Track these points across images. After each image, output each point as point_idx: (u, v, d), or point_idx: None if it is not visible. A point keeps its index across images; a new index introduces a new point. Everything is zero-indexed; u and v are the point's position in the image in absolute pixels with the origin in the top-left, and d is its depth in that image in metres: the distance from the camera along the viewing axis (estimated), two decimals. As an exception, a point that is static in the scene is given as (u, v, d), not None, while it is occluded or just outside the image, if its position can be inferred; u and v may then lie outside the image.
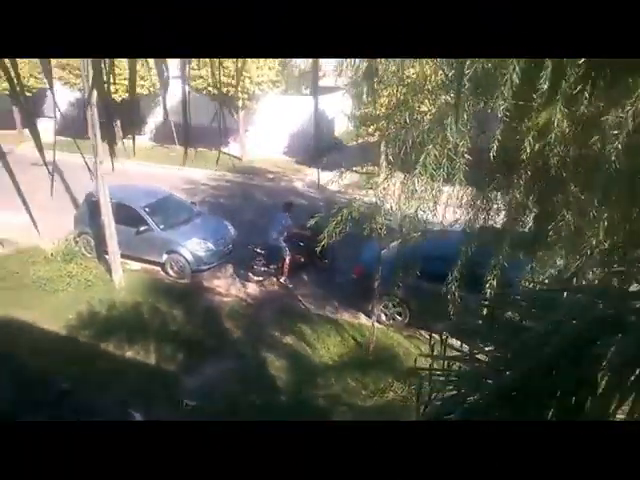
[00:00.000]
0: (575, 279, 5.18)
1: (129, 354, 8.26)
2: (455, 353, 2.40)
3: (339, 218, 6.36)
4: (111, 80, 1.36)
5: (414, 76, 6.41)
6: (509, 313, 2.60)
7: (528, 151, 4.69)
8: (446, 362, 2.43)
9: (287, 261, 10.40)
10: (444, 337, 2.62)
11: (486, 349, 2.28)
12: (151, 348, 8.39)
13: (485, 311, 3.01)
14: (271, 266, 10.56)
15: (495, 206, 6.00)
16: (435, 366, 2.41)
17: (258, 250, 10.52)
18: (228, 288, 10.56)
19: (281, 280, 10.55)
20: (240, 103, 17.44)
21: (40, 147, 1.29)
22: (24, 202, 1.32)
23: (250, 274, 10.66)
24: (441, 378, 2.41)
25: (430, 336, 2.48)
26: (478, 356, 2.28)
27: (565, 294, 2.43)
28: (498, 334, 2.40)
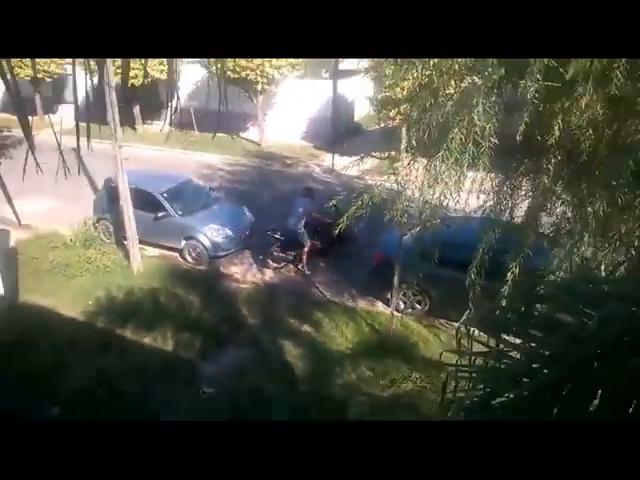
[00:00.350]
0: (607, 269, 4.99)
1: (147, 340, 8.25)
2: (482, 348, 2.26)
3: (359, 203, 6.19)
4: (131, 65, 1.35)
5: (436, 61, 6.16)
6: (542, 306, 2.43)
7: (557, 135, 4.47)
8: (473, 357, 2.30)
9: (307, 248, 10.27)
10: (471, 331, 2.48)
11: (518, 344, 2.13)
12: (168, 334, 8.38)
13: (517, 304, 2.83)
14: (290, 252, 10.44)
15: (521, 192, 5.80)
16: (461, 361, 2.29)
17: (277, 236, 10.41)
18: (245, 275, 10.51)
19: (299, 267, 10.43)
20: (259, 87, 17.26)
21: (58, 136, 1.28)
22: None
23: (269, 260, 10.57)
24: (467, 374, 2.28)
25: (458, 330, 2.33)
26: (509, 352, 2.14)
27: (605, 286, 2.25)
28: (533, 329, 2.24)
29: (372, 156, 16.19)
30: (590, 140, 4.57)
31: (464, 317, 5.43)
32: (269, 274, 10.46)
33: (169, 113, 21.29)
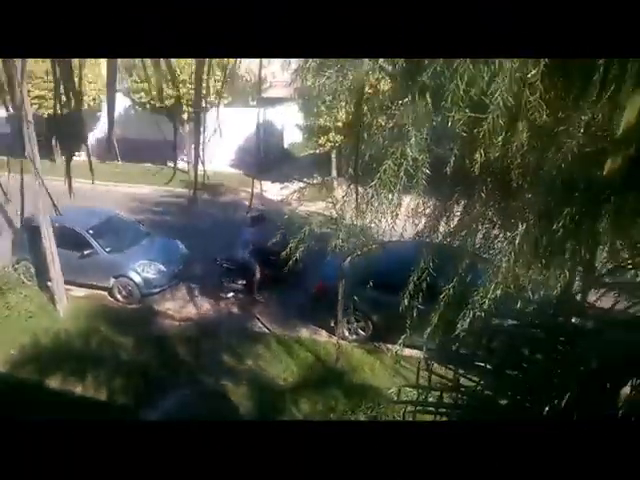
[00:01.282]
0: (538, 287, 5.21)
1: (78, 390, 7.68)
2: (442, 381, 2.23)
3: (301, 236, 6.16)
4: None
5: (370, 91, 6.29)
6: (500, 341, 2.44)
7: (480, 163, 4.66)
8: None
9: (257, 276, 10.07)
10: (429, 365, 2.46)
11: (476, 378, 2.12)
12: (102, 380, 7.85)
13: (475, 338, 2.85)
14: (240, 282, 10.22)
15: (456, 217, 5.97)
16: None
17: (226, 265, 10.15)
18: (181, 311, 10.10)
19: (254, 296, 10.19)
20: (185, 116, 16.97)
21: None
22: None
23: (221, 292, 10.28)
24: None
25: (418, 365, 2.29)
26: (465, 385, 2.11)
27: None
28: (492, 363, 2.24)
29: (304, 182, 16.29)
30: (516, 167, 4.79)
31: (400, 341, 5.50)
32: (208, 308, 10.12)
33: (91, 144, 20.46)
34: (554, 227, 3.94)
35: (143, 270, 10.27)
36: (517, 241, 4.89)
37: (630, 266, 2.71)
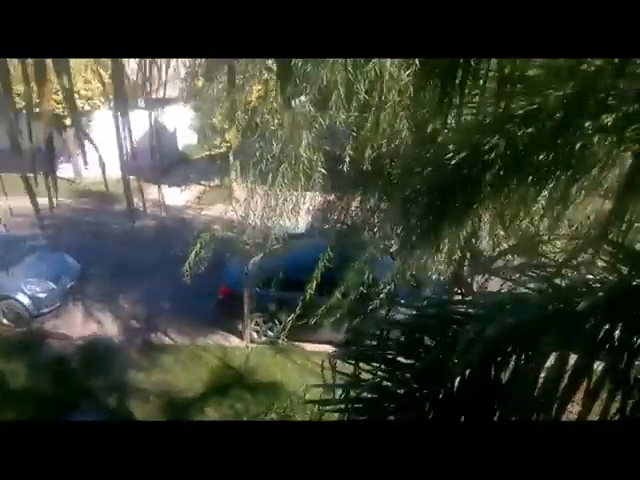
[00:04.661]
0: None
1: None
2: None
3: (199, 245, 6.02)
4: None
5: (258, 93, 6.28)
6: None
7: (367, 158, 4.83)
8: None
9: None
10: (333, 363, 2.48)
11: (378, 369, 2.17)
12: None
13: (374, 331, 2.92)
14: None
15: (355, 211, 6.14)
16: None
17: None
18: (76, 329, 9.43)
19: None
20: (68, 121, 15.88)
21: None
22: None
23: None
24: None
25: (322, 364, 2.30)
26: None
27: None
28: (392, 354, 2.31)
29: (202, 185, 15.90)
30: (399, 162, 5.02)
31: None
32: (108, 323, 9.54)
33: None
34: (440, 218, 4.15)
35: (30, 289, 9.46)
36: (406, 233, 5.13)
37: (510, 251, 2.91)
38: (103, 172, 1.81)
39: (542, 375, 1.52)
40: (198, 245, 6.13)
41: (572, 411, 1.56)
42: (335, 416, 2.12)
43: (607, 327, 1.53)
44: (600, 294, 1.69)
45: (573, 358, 1.55)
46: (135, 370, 8.14)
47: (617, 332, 1.51)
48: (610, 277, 1.72)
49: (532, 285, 1.87)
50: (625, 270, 1.70)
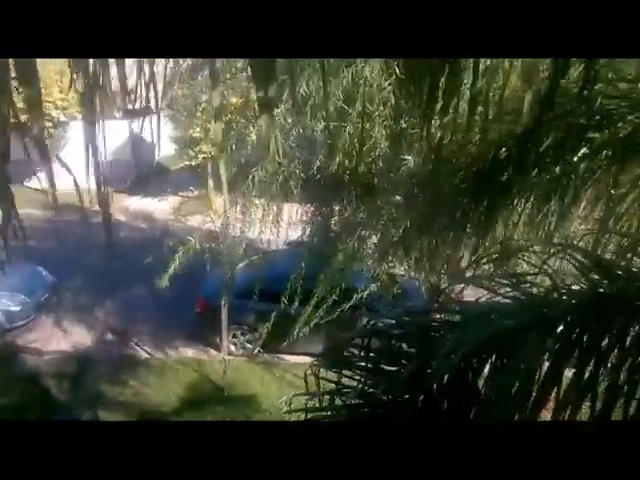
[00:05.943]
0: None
1: None
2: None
3: (177, 256, 5.96)
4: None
5: (237, 102, 6.28)
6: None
7: (346, 168, 4.86)
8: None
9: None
10: (315, 371, 2.48)
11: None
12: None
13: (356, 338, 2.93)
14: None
15: (332, 222, 6.15)
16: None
17: None
18: (49, 343, 9.21)
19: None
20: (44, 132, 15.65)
21: None
22: None
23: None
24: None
25: (305, 373, 2.30)
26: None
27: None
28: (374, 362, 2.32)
29: (180, 196, 15.80)
30: (379, 172, 5.05)
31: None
32: (81, 338, 9.34)
33: None
34: (418, 228, 4.19)
35: (2, 303, 9.24)
36: (384, 242, 5.16)
37: (486, 260, 2.95)
38: (76, 183, 1.78)
39: (516, 380, 1.54)
40: (175, 257, 6.07)
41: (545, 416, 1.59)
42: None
43: (577, 333, 1.57)
44: (573, 301, 1.73)
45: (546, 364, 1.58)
46: (109, 384, 7.98)
47: (585, 337, 1.54)
48: (581, 285, 1.76)
49: (508, 293, 1.90)
50: (595, 278, 1.75)
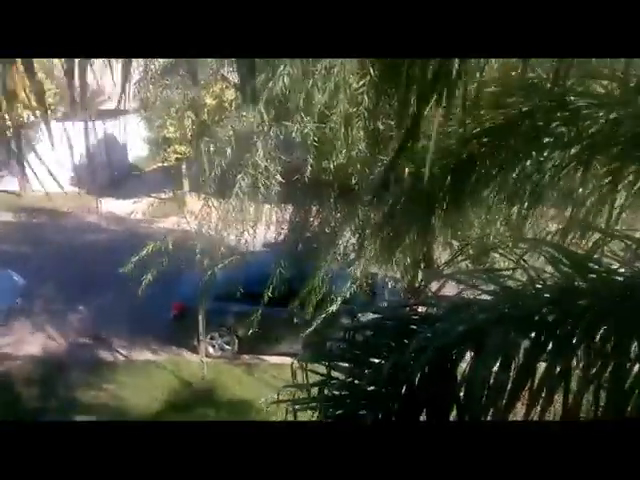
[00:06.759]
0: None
1: None
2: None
3: (152, 257, 5.88)
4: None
5: (214, 102, 6.25)
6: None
7: (326, 169, 4.89)
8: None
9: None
10: (302, 364, 2.50)
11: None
12: None
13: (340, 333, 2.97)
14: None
15: (311, 223, 6.15)
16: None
17: None
18: (21, 348, 9.00)
19: None
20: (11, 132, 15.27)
21: None
22: None
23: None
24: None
25: (292, 365, 2.32)
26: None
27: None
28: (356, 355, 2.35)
29: (154, 197, 15.57)
30: (358, 174, 5.08)
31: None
32: (56, 342, 9.14)
33: None
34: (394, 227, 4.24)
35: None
36: (363, 242, 5.20)
37: (461, 257, 3.01)
38: (45, 187, 1.76)
39: (492, 374, 1.58)
40: (150, 258, 6.00)
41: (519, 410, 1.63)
42: (308, 414, 2.15)
43: (551, 326, 1.61)
44: (546, 295, 1.78)
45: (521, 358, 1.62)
46: (84, 389, 7.84)
47: (559, 331, 1.59)
48: (556, 279, 1.81)
49: (483, 288, 1.94)
50: (568, 271, 1.80)
